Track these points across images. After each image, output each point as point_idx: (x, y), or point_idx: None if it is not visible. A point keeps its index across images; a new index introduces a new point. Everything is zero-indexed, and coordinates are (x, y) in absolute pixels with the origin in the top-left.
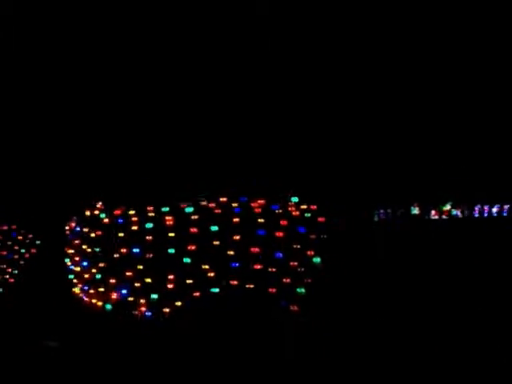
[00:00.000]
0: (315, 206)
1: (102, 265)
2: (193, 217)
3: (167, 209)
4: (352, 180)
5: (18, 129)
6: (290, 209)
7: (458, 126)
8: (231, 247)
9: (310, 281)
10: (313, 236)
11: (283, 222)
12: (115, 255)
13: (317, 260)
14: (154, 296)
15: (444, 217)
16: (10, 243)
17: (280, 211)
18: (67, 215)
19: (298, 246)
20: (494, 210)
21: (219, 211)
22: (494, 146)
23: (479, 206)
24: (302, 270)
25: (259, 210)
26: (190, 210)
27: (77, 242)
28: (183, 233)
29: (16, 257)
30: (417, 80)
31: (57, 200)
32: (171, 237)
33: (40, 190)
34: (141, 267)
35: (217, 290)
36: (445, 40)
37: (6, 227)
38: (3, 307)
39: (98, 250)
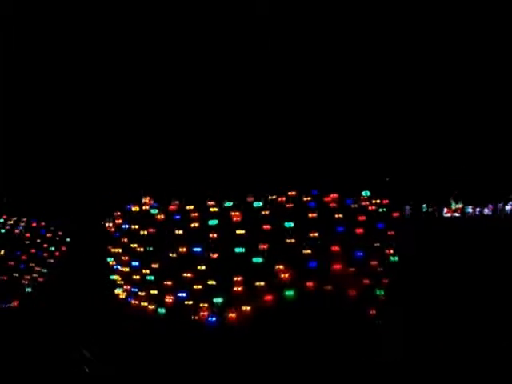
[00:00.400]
0: (387, 200)
1: (155, 265)
2: (263, 212)
3: (230, 203)
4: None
5: (48, 124)
6: (364, 203)
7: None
8: (308, 245)
9: (387, 282)
10: (391, 233)
11: (361, 218)
12: (171, 255)
13: (394, 259)
14: (219, 300)
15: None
16: (39, 241)
17: (355, 206)
18: (102, 211)
19: (378, 244)
20: (508, 207)
21: (291, 205)
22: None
23: (492, 203)
24: (382, 269)
25: (334, 204)
26: (258, 204)
27: (125, 239)
28: (254, 230)
29: (45, 255)
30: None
31: (90, 195)
32: (240, 234)
33: (71, 184)
34: (203, 268)
35: (291, 292)
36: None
37: (34, 224)
38: (33, 307)
39: (150, 248)
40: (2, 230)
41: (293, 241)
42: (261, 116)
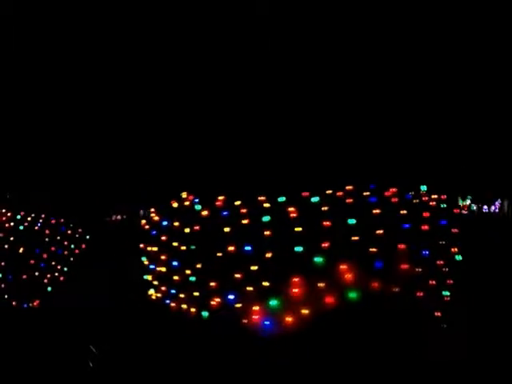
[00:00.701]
0: (445, 196)
1: (199, 265)
2: (322, 208)
3: (283, 199)
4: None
5: (66, 121)
6: (424, 198)
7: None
8: (374, 243)
9: (452, 282)
10: (455, 230)
11: (425, 214)
12: (218, 254)
13: (459, 257)
14: (274, 302)
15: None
16: (59, 238)
17: (417, 201)
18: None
19: (443, 242)
20: None
21: (351, 201)
22: None
23: (499, 201)
24: (447, 269)
25: (395, 199)
26: (316, 199)
27: (163, 237)
28: (312, 227)
29: (66, 253)
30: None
31: (111, 190)
32: (298, 232)
33: (93, 178)
34: (255, 268)
35: (355, 294)
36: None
37: (53, 221)
38: (53, 307)
39: (193, 247)
40: (21, 227)
41: (356, 238)
42: (309, 108)
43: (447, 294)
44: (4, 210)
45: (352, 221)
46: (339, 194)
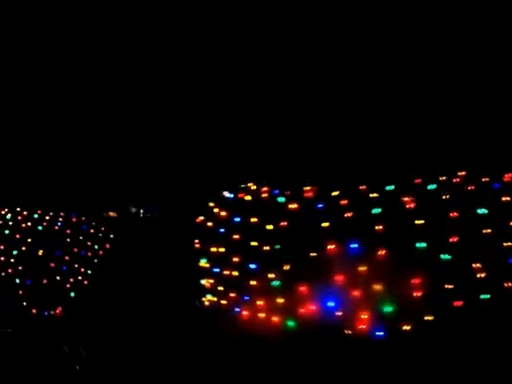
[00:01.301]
0: None
1: (286, 267)
2: (443, 196)
3: (392, 187)
4: None
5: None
6: None
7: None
8: (508, 237)
9: None
10: None
11: None
12: (313, 254)
13: None
14: (389, 309)
15: None
16: (81, 238)
17: None
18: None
19: None
20: None
21: (473, 188)
22: None
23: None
24: None
25: None
26: (432, 187)
27: (236, 236)
28: (434, 219)
29: (89, 254)
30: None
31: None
32: (418, 224)
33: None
34: (363, 269)
35: (488, 296)
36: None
37: (75, 219)
38: (76, 314)
39: (278, 247)
40: (39, 227)
41: (489, 231)
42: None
43: None
44: (19, 209)
45: (483, 211)
46: (456, 180)
